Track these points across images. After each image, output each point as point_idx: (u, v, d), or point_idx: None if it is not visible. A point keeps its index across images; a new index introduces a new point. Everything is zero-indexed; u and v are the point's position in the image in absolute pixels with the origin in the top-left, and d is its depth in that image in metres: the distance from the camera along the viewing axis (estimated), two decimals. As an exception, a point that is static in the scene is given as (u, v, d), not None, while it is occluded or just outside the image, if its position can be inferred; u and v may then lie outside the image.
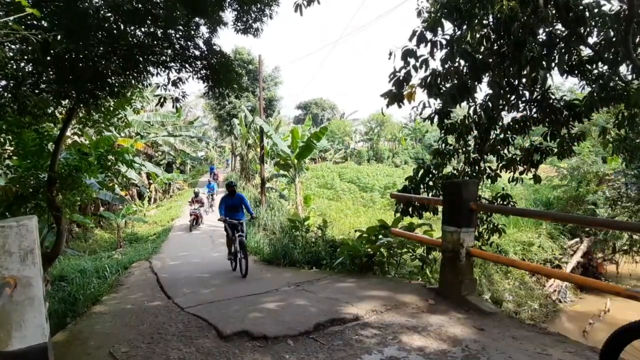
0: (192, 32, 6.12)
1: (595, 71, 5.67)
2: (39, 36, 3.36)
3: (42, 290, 2.15)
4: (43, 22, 4.69)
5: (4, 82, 5.39)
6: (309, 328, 3.54)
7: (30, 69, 5.12)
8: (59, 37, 4.49)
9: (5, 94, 5.39)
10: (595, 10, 5.18)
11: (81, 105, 6.22)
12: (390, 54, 5.24)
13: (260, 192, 18.45)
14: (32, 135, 6.55)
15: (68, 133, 7.25)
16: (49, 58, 4.82)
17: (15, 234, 2.04)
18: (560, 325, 8.77)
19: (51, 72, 5.13)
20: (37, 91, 5.41)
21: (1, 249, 2.01)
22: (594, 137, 13.05)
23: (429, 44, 5.19)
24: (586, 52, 5.67)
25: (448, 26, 5.18)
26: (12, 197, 7.14)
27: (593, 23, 5.32)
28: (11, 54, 4.71)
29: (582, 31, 5.22)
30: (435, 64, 5.39)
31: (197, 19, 6.11)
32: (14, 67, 4.93)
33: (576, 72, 5.71)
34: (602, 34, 5.40)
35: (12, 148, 6.98)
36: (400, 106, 5.61)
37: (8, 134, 6.46)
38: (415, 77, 5.46)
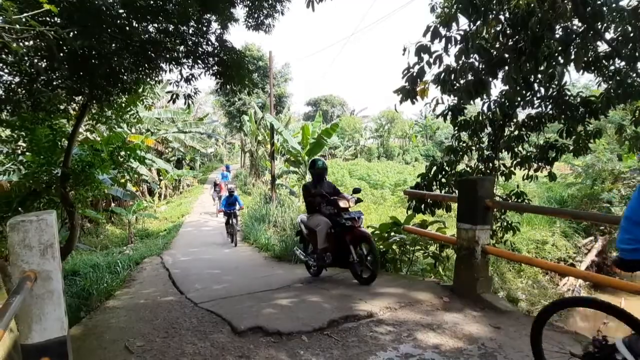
0: (204, 29, 6.12)
1: (612, 67, 5.57)
2: (54, 32, 3.38)
3: (62, 284, 2.17)
4: (57, 18, 4.72)
5: (18, 79, 5.46)
6: (323, 324, 3.53)
7: (44, 65, 5.16)
8: (71, 33, 4.51)
9: (20, 90, 5.45)
10: (613, 5, 5.08)
11: (94, 101, 6.26)
12: (404, 49, 5.19)
13: (271, 188, 18.49)
14: (45, 131, 6.60)
15: (80, 129, 7.31)
16: (62, 54, 4.84)
17: (35, 229, 2.05)
18: (574, 324, 8.66)
19: (65, 69, 5.16)
20: (50, 87, 5.45)
21: (22, 243, 2.03)
22: (610, 134, 12.84)
23: (443, 40, 5.13)
24: (603, 47, 5.57)
25: (463, 21, 5.12)
26: (26, 192, 7.22)
27: (610, 18, 5.22)
28: (25, 50, 4.75)
29: (599, 27, 5.12)
30: (449, 60, 5.34)
31: (208, 15, 6.10)
32: (28, 63, 4.98)
33: (593, 68, 5.61)
34: (619, 29, 5.29)
35: (26, 144, 7.06)
36: (413, 102, 5.56)
37: (22, 130, 6.53)
38: (429, 73, 5.42)
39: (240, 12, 6.67)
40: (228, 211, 12.39)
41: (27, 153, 7.16)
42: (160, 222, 20.14)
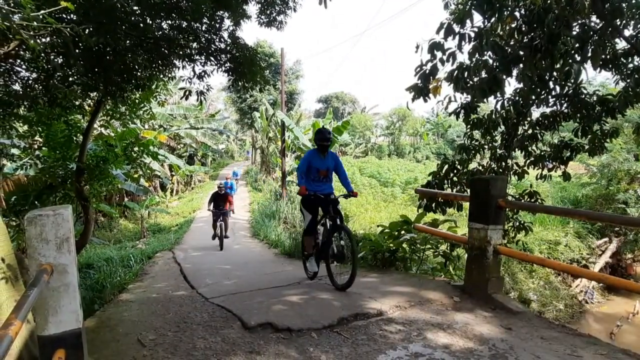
0: (217, 25, 6.15)
1: (631, 65, 5.46)
2: (69, 29, 3.42)
3: (77, 277, 2.21)
4: (73, 15, 4.78)
5: (35, 75, 5.56)
6: (333, 322, 3.53)
7: (60, 62, 5.24)
8: (87, 30, 4.58)
9: (37, 86, 5.55)
10: (633, 2, 4.98)
11: (108, 97, 6.35)
12: (417, 47, 5.15)
13: (281, 185, 18.55)
14: (61, 126, 6.74)
15: (95, 125, 7.43)
16: (78, 51, 4.91)
17: (52, 223, 2.09)
18: (587, 327, 8.54)
19: (80, 65, 5.24)
20: (66, 84, 5.55)
21: (39, 237, 2.07)
22: (627, 133, 12.60)
23: (456, 37, 5.07)
24: (621, 45, 5.46)
25: (477, 18, 5.06)
26: (42, 186, 7.37)
27: (630, 15, 5.11)
28: (42, 46, 4.82)
29: (618, 23, 5.02)
30: (462, 58, 5.28)
31: (221, 12, 6.12)
32: (45, 59, 5.06)
33: (610, 66, 5.51)
34: (639, 26, 5.19)
35: (42, 139, 7.21)
36: (425, 100, 5.53)
37: (39, 126, 6.66)
38: (442, 70, 5.37)
39: (252, 8, 6.68)
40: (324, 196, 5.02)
41: (44, 148, 7.32)
42: (172, 217, 20.36)
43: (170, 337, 3.47)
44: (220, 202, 11.28)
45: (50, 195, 7.19)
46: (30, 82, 5.53)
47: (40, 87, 5.46)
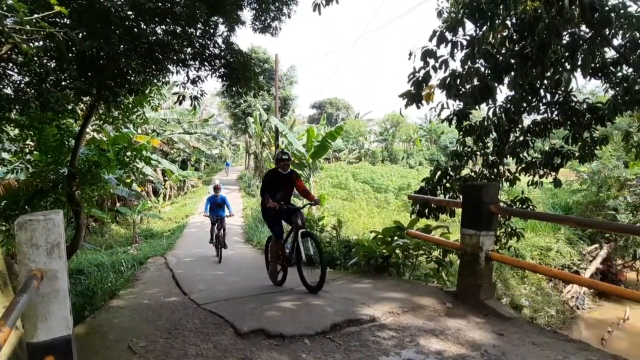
0: (212, 31, 6.16)
1: (620, 74, 5.54)
2: (62, 33, 3.41)
3: (67, 283, 2.19)
4: (66, 19, 4.77)
5: (27, 79, 5.52)
6: (326, 328, 3.52)
7: (53, 66, 5.22)
8: (80, 34, 4.56)
9: (29, 89, 5.52)
10: (622, 12, 5.07)
11: (101, 102, 6.32)
12: (410, 54, 5.20)
13: (274, 190, 18.51)
14: (53, 130, 6.69)
15: (87, 129, 7.39)
16: (71, 55, 4.89)
17: (43, 228, 2.07)
18: (578, 333, 8.60)
19: (73, 69, 5.22)
20: (59, 88, 5.52)
21: (29, 242, 2.05)
22: (616, 141, 12.78)
23: (449, 44, 5.13)
24: (610, 54, 5.55)
25: (469, 26, 5.12)
26: (33, 191, 7.31)
27: (618, 24, 5.20)
28: (35, 50, 4.80)
29: (607, 33, 5.10)
30: (455, 65, 5.33)
31: (216, 17, 6.14)
32: (38, 63, 5.04)
33: (600, 74, 5.59)
34: (627, 35, 5.27)
35: (34, 143, 7.14)
36: (418, 107, 5.57)
37: (30, 129, 6.61)
38: (434, 77, 5.42)
39: (247, 14, 6.70)
40: None
41: (35, 152, 7.24)
42: (164, 222, 20.22)
43: (161, 343, 3.44)
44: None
45: (41, 199, 7.12)
46: (22, 85, 5.50)
47: (33, 90, 5.42)
